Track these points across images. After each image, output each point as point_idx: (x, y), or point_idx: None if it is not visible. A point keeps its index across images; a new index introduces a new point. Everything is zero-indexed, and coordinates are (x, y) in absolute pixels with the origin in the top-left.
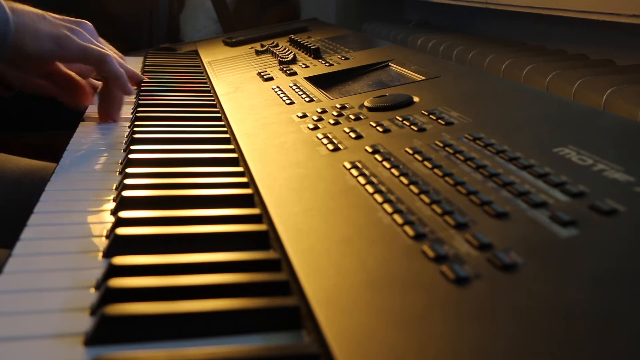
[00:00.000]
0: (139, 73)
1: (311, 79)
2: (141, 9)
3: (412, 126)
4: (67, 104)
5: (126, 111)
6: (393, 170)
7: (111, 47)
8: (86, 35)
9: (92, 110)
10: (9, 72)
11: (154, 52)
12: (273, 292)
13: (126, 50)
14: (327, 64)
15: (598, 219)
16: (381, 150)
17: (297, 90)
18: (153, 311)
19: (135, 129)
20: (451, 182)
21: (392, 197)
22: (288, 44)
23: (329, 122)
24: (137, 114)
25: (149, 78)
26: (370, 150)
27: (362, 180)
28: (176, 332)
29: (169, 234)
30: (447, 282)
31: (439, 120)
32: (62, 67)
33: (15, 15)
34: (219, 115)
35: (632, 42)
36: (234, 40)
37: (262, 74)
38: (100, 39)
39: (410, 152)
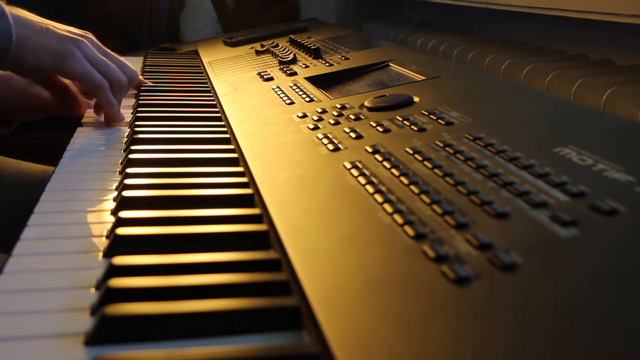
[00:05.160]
0: (139, 77)
1: (311, 79)
2: (141, 9)
3: (412, 126)
4: (62, 113)
5: (126, 111)
6: (393, 170)
7: (114, 53)
8: (92, 49)
9: (92, 111)
10: (8, 105)
11: (154, 52)
12: (273, 292)
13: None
14: (327, 64)
15: (598, 219)
16: (381, 150)
17: (297, 90)
18: (153, 311)
19: (136, 129)
20: (451, 182)
21: (392, 197)
22: (288, 44)
23: (329, 122)
24: (137, 114)
25: (149, 78)
26: (370, 150)
27: (362, 180)
28: (176, 332)
29: (169, 234)
30: (447, 282)
31: (439, 120)
32: (60, 78)
33: (18, 26)
34: (219, 115)
35: (632, 42)
36: (234, 40)
37: (262, 74)
38: (107, 50)
39: (411, 152)
